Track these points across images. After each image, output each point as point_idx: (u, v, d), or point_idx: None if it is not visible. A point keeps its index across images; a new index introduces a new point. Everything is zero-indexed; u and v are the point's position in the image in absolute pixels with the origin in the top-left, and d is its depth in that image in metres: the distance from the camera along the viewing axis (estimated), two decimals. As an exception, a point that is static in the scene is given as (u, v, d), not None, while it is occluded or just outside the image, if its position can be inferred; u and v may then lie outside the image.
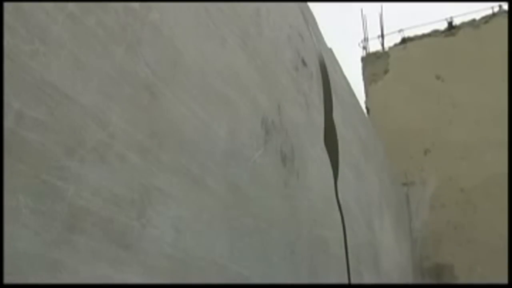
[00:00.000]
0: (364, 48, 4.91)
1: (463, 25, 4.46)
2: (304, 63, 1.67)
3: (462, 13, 4.57)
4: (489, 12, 4.37)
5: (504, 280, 2.90)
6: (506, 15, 4.21)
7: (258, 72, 1.28)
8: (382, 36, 4.94)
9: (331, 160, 1.79)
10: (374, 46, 5.10)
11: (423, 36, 4.64)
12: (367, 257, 2.16)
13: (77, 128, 0.64)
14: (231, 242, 1.01)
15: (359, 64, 4.87)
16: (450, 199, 3.81)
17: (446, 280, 3.67)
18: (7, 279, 0.51)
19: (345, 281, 1.72)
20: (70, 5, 0.66)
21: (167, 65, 0.87)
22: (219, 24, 1.09)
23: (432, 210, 3.81)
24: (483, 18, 4.38)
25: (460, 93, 4.14)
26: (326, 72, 1.93)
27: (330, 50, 2.23)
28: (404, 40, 4.71)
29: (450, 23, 4.50)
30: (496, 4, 4.35)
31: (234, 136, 1.09)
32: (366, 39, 4.97)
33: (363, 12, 5.28)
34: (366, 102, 4.62)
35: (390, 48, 4.79)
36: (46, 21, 0.61)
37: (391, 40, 4.86)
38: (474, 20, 4.42)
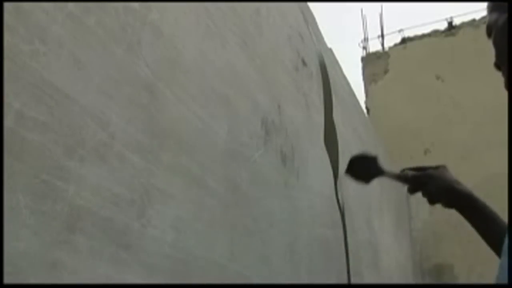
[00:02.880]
0: (364, 48, 4.92)
1: (463, 25, 4.46)
2: (304, 63, 1.67)
3: (462, 13, 4.57)
4: (489, 12, 4.36)
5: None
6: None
7: (258, 72, 1.28)
8: (382, 36, 4.94)
9: (331, 160, 1.79)
10: (374, 46, 5.10)
11: (423, 36, 4.64)
12: (367, 257, 2.16)
13: (77, 128, 0.64)
14: (231, 242, 1.01)
15: (359, 64, 4.87)
16: (450, 199, 3.80)
17: (446, 280, 3.67)
18: (7, 279, 0.51)
19: (345, 281, 1.72)
20: (70, 5, 0.66)
21: (167, 65, 0.87)
22: (219, 24, 1.09)
23: (432, 210, 3.81)
24: (483, 18, 4.38)
25: (460, 93, 4.14)
26: (326, 72, 1.93)
27: (330, 50, 2.23)
28: (404, 40, 4.71)
29: (450, 23, 4.51)
30: (496, 4, 4.35)
31: (234, 136, 1.09)
32: (366, 39, 4.98)
33: (363, 12, 5.29)
34: (366, 102, 4.62)
35: (390, 48, 4.79)
36: (46, 21, 0.61)
37: (391, 40, 4.87)
38: (474, 20, 4.42)
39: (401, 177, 1.31)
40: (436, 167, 1.26)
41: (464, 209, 1.17)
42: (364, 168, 1.50)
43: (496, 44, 0.82)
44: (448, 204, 1.18)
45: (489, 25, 0.83)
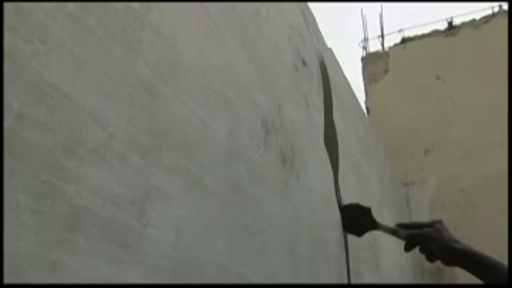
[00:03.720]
0: (364, 48, 4.92)
1: (463, 25, 4.46)
2: (304, 63, 1.67)
3: (462, 13, 4.57)
4: (489, 12, 4.37)
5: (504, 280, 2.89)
6: (506, 15, 4.22)
7: (258, 72, 1.28)
8: (382, 36, 4.94)
9: (331, 160, 1.79)
10: (374, 46, 5.10)
11: (423, 36, 4.64)
12: (367, 257, 2.16)
13: (77, 128, 0.64)
14: (231, 242, 1.01)
15: (359, 64, 4.87)
16: (450, 199, 3.81)
17: (446, 280, 3.67)
18: (7, 279, 0.51)
19: (345, 281, 1.72)
20: (70, 5, 0.66)
21: (167, 65, 0.87)
22: (219, 24, 1.09)
23: (432, 210, 3.81)
24: (483, 18, 4.38)
25: (460, 93, 4.14)
26: (326, 72, 1.93)
27: (330, 50, 2.23)
28: (404, 40, 4.71)
29: (450, 23, 4.51)
30: (496, 4, 4.36)
31: (234, 136, 1.09)
32: (366, 39, 4.98)
33: (363, 12, 5.29)
34: (366, 102, 4.62)
35: (390, 48, 4.79)
36: (46, 21, 0.61)
37: (391, 40, 4.86)
38: (474, 20, 4.42)
39: (396, 233, 1.33)
40: (432, 224, 1.27)
41: (464, 265, 1.18)
42: (357, 219, 1.51)
43: None
44: (447, 262, 1.19)
45: None
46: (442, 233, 1.23)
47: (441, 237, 1.21)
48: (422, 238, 1.23)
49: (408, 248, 1.29)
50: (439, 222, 1.28)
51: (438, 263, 1.21)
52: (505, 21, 4.10)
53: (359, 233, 1.53)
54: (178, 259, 0.82)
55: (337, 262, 1.70)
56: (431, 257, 1.22)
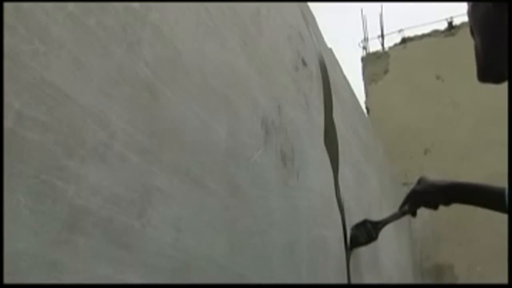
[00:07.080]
0: (364, 48, 4.92)
1: (463, 25, 4.46)
2: (304, 63, 1.67)
3: (462, 13, 4.57)
4: (489, 12, 4.36)
5: (504, 280, 2.90)
6: (506, 15, 4.21)
7: (258, 72, 1.28)
8: (382, 36, 4.94)
9: (331, 160, 1.79)
10: (374, 46, 5.10)
11: (423, 36, 4.65)
12: (367, 257, 2.16)
13: (77, 128, 0.64)
14: (231, 242, 1.01)
15: (359, 64, 4.87)
16: (450, 199, 3.80)
17: (446, 280, 3.67)
18: (7, 279, 0.51)
19: (345, 281, 1.72)
20: (70, 5, 0.66)
21: (167, 65, 0.87)
22: (219, 24, 1.09)
23: (432, 210, 3.80)
24: (483, 18, 4.37)
25: (460, 93, 4.14)
26: (326, 72, 1.93)
27: (330, 50, 2.23)
28: (404, 40, 4.71)
29: (450, 23, 4.51)
30: (496, 4, 4.35)
31: (234, 136, 1.09)
32: (366, 39, 4.98)
33: (363, 12, 5.28)
34: (366, 102, 4.62)
35: (390, 48, 4.79)
36: (46, 21, 0.61)
37: (391, 40, 4.86)
38: (474, 20, 4.41)
39: (401, 213, 1.47)
40: (418, 182, 1.42)
41: (462, 196, 1.31)
42: (364, 234, 1.62)
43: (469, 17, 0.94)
44: (448, 200, 1.31)
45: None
46: (428, 182, 1.36)
47: (432, 184, 1.35)
48: (415, 194, 1.41)
49: (414, 213, 1.46)
50: (422, 178, 1.42)
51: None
52: (505, 21, 4.10)
53: (368, 240, 1.63)
54: (178, 259, 0.82)
55: (337, 262, 1.70)
56: (435, 205, 1.35)
